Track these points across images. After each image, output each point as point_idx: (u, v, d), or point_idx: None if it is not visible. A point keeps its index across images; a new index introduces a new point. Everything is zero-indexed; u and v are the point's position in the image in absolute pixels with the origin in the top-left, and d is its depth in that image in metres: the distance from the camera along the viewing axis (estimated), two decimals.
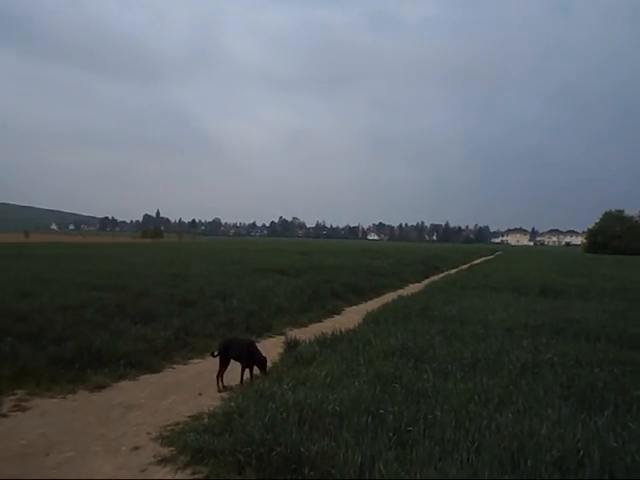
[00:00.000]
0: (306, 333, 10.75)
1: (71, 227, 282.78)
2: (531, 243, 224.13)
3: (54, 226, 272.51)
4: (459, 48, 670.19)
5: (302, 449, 4.52)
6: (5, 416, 6.08)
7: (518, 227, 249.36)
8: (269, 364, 7.73)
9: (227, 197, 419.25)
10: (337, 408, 5.34)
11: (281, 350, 9.02)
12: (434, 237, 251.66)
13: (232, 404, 5.90)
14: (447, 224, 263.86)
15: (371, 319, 11.54)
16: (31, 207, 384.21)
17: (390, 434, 4.84)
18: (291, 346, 8.98)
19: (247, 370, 7.45)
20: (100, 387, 7.18)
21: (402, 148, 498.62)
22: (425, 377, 6.56)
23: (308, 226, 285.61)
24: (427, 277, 27.83)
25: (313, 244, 75.94)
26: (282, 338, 10.12)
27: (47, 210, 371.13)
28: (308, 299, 15.22)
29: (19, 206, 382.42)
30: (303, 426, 4.98)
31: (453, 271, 32.53)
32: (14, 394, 6.78)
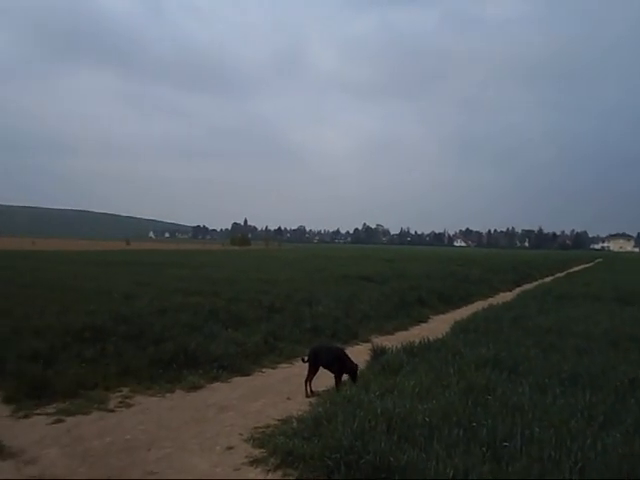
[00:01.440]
0: (392, 341, 10.62)
1: (166, 235, 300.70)
2: (636, 249, 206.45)
3: (151, 234, 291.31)
4: (545, 43, 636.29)
5: (391, 459, 4.45)
6: (112, 411, 6.55)
7: (621, 232, 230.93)
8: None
9: (311, 205, 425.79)
10: (427, 419, 5.21)
11: (367, 357, 8.97)
12: (526, 243, 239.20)
13: (320, 410, 5.94)
14: (540, 230, 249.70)
15: (460, 328, 11.18)
16: (131, 217, 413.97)
17: (484, 448, 4.64)
18: (378, 354, 8.90)
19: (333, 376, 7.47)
20: (195, 387, 7.54)
21: (489, 150, 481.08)
22: (520, 390, 6.22)
23: (392, 233, 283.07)
24: (519, 285, 26.54)
25: (397, 251, 75.15)
26: (368, 345, 10.08)
27: (145, 219, 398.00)
28: (394, 306, 15.06)
29: (121, 216, 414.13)
30: (392, 435, 4.90)
31: (548, 279, 30.78)
32: (119, 391, 7.30)
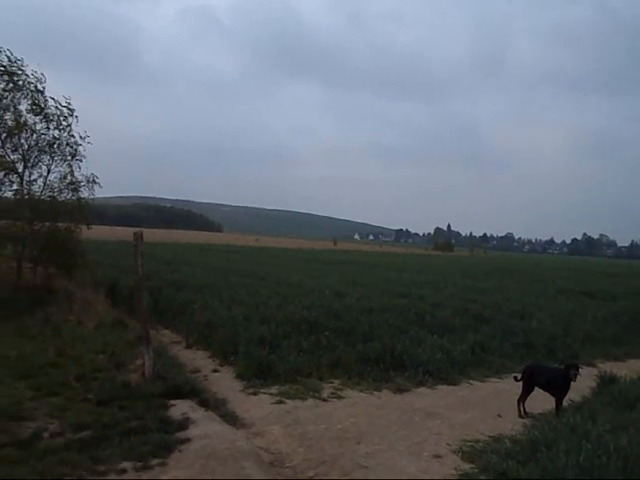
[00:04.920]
0: (623, 368, 9.24)
1: (370, 237, 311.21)
2: None
3: (356, 236, 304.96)
4: None
5: None
6: (325, 400, 7.00)
7: None
8: (578, 398, 6.93)
9: (520, 211, 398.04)
10: None
11: (591, 384, 7.95)
12: None
13: (537, 433, 5.45)
14: None
15: None
16: (339, 219, 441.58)
17: None
18: (606, 381, 7.82)
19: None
20: (401, 390, 7.59)
21: None
22: None
23: (619, 245, 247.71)
24: None
25: (627, 265, 65.32)
26: (592, 370, 9.00)
27: (351, 221, 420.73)
28: (624, 329, 13.11)
29: (331, 218, 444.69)
30: (629, 478, 4.23)
31: None
32: (331, 382, 7.77)
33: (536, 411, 6.84)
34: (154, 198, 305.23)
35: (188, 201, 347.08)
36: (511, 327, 11.43)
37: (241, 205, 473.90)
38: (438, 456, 5.31)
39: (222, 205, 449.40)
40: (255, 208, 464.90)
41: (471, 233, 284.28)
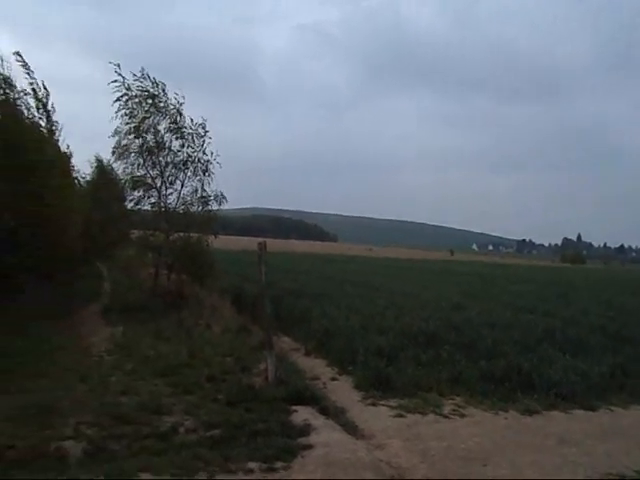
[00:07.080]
0: None
1: (489, 248, 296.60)
2: None
3: (474, 246, 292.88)
4: None
5: None
6: (446, 417, 6.72)
7: None
8: None
9: None
10: None
11: None
12: None
13: None
14: None
15: None
16: (455, 229, 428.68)
17: None
18: None
19: None
20: (530, 412, 7.04)
21: None
22: None
23: None
24: None
25: None
26: None
27: (468, 231, 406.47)
28: None
29: (446, 227, 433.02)
30: None
31: None
32: (452, 399, 7.44)
33: None
34: (271, 209, 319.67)
35: (302, 212, 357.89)
36: None
37: (353, 215, 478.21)
38: None
39: (334, 215, 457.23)
40: (367, 218, 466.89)
41: (605, 244, 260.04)
